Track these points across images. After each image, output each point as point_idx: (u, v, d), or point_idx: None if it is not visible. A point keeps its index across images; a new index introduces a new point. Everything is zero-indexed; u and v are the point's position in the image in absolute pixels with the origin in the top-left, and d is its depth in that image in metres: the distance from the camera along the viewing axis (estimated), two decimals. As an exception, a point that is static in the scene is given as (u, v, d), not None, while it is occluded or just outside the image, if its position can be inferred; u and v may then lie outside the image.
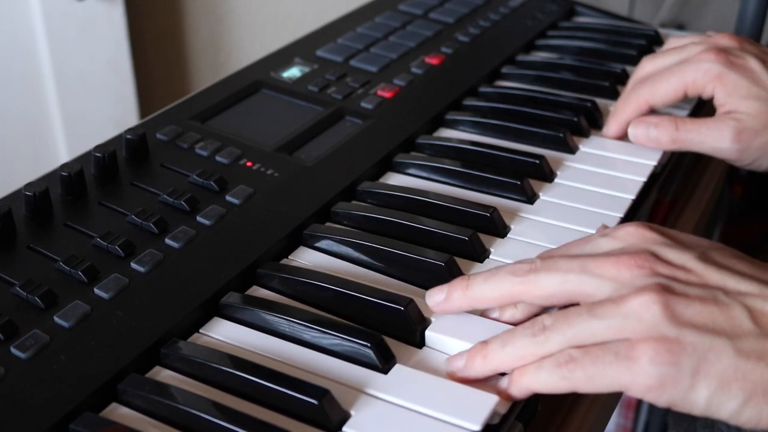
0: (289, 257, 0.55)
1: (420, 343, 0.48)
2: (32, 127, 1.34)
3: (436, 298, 0.49)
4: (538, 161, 0.63)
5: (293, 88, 0.72)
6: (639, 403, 1.38)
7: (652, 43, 0.85)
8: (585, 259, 0.46)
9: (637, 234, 0.47)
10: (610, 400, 0.59)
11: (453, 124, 0.71)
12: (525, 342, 0.44)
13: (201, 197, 0.57)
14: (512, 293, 0.47)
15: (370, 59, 0.78)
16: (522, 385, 0.44)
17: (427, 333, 0.48)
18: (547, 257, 0.48)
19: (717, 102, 0.65)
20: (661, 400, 0.41)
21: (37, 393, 0.42)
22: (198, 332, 0.49)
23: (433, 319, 0.49)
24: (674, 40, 0.72)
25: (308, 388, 0.42)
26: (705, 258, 0.45)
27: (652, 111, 0.68)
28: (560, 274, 0.46)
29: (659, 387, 0.41)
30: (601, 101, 0.73)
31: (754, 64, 0.64)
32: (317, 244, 0.56)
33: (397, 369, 0.45)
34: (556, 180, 0.63)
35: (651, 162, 0.65)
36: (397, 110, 0.70)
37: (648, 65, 0.69)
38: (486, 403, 0.43)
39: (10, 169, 1.33)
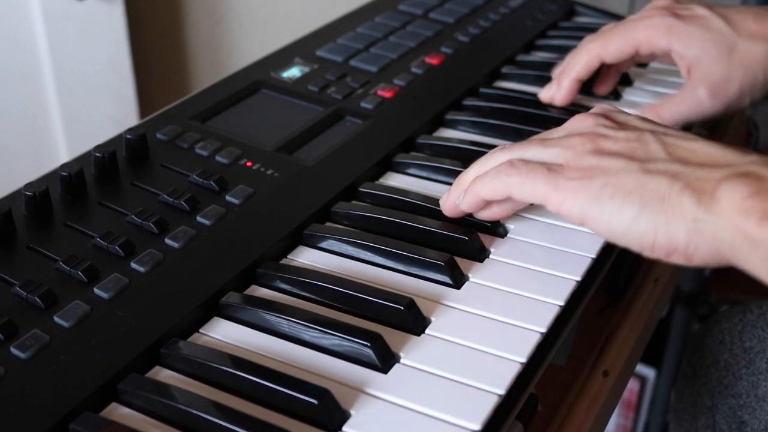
0: (289, 257, 0.55)
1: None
2: (32, 127, 1.34)
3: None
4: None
5: (293, 88, 0.72)
6: (639, 403, 1.39)
7: (652, 43, 0.85)
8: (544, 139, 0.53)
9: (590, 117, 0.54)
10: (610, 400, 0.59)
11: (453, 124, 0.71)
12: (487, 158, 0.54)
13: (201, 197, 0.57)
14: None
15: (370, 59, 0.78)
16: (473, 191, 0.53)
17: (427, 332, 0.48)
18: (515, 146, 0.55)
19: (676, 56, 0.65)
20: (573, 212, 0.48)
21: (37, 393, 0.42)
22: (198, 332, 0.49)
23: (433, 318, 0.49)
24: None
25: (308, 388, 0.43)
26: (647, 119, 0.53)
27: (603, 66, 0.68)
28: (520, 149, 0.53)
29: (572, 200, 0.48)
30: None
31: (700, 10, 0.65)
32: (317, 244, 0.56)
33: (397, 368, 0.45)
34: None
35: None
36: (397, 110, 0.70)
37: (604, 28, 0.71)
38: (486, 403, 0.43)
39: (10, 169, 1.33)
